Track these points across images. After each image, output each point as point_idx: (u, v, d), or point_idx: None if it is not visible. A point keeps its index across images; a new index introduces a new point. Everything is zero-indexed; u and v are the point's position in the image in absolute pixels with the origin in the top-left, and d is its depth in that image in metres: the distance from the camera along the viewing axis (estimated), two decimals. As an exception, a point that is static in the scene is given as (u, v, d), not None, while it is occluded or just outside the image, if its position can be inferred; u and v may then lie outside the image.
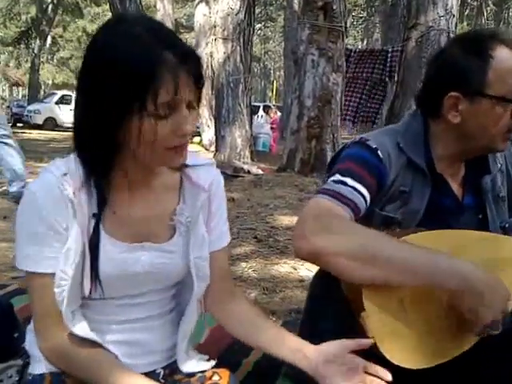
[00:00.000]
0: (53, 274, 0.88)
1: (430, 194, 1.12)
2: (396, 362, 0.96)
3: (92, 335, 0.91)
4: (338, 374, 0.88)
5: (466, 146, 1.14)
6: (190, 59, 0.83)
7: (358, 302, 0.96)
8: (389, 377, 0.86)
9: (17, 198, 3.79)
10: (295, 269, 2.77)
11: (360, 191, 1.06)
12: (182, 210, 0.97)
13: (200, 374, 0.99)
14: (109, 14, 9.01)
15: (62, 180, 0.87)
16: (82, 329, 0.91)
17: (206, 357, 1.06)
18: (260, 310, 1.10)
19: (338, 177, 1.08)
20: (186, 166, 0.97)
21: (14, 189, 4.27)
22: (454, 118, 1.10)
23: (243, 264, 2.87)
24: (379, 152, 1.10)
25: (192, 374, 1.00)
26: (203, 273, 0.99)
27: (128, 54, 0.80)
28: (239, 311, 1.05)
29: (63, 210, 0.87)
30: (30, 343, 0.98)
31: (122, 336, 0.96)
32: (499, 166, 1.21)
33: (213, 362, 1.02)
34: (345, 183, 1.06)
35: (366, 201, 1.07)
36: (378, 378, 0.86)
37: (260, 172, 6.59)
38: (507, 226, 1.20)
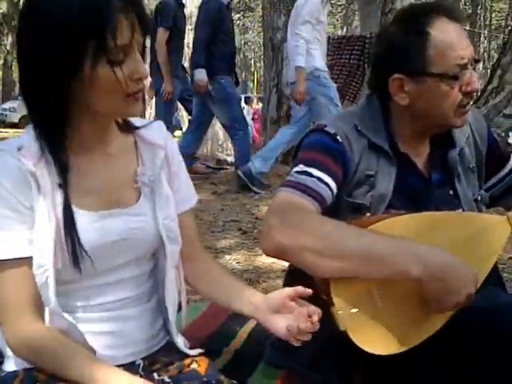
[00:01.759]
0: (21, 260, 0.85)
1: (396, 174, 1.10)
2: (371, 351, 0.96)
3: (71, 320, 0.88)
4: (282, 322, 0.92)
5: (422, 126, 1.13)
6: (137, 4, 0.84)
7: (328, 294, 0.97)
8: (315, 317, 0.88)
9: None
10: (278, 259, 2.78)
11: (325, 181, 1.05)
12: (143, 171, 0.97)
13: (178, 363, 0.99)
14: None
15: (17, 155, 0.84)
16: (61, 316, 0.88)
17: (187, 344, 1.05)
18: (225, 268, 1.12)
19: (301, 167, 1.07)
20: (137, 127, 0.98)
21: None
22: (402, 99, 1.09)
23: (227, 256, 2.87)
24: (338, 137, 1.09)
25: (170, 363, 1.00)
26: (174, 233, 0.98)
27: None
28: (205, 270, 1.07)
29: (25, 188, 0.84)
30: (3, 341, 0.94)
31: (100, 326, 0.94)
32: (466, 136, 1.19)
33: (200, 350, 1.03)
34: (309, 173, 1.05)
35: (331, 189, 1.06)
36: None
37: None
38: (479, 198, 1.19)
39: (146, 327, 1.00)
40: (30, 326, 0.87)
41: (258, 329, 1.69)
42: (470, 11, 20.02)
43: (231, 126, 4.61)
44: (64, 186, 0.87)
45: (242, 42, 28.92)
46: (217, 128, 7.78)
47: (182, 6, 4.94)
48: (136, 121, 1.00)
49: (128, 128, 0.98)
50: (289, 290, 0.94)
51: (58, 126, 0.86)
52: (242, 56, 30.45)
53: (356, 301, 0.97)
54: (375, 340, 0.97)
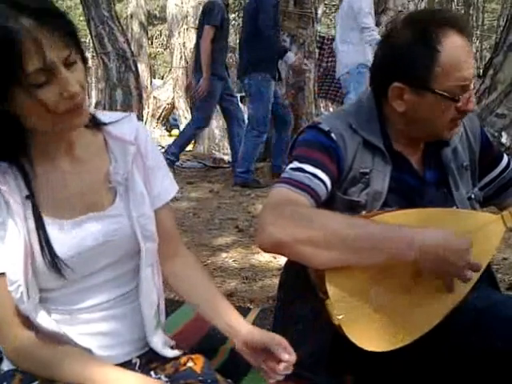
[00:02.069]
0: (1, 274, 0.85)
1: (390, 173, 1.11)
2: (364, 347, 0.96)
3: (59, 327, 0.89)
4: (257, 361, 0.94)
5: (413, 132, 1.13)
6: (49, 18, 0.78)
7: (323, 289, 0.97)
8: (284, 357, 0.89)
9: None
10: (275, 257, 2.78)
11: (319, 177, 1.05)
12: (116, 169, 0.94)
13: (174, 361, 1.00)
14: (80, 7, 8.84)
15: None
16: (48, 323, 0.89)
17: (172, 343, 1.05)
18: (204, 271, 1.09)
19: (295, 164, 1.08)
20: (105, 124, 0.95)
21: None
22: (399, 106, 1.09)
23: (224, 254, 2.87)
24: (332, 134, 1.10)
25: (167, 361, 1.00)
26: (149, 231, 0.96)
27: None
28: (186, 273, 1.05)
29: None
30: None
31: (90, 327, 0.94)
32: (460, 135, 1.20)
33: (177, 352, 1.02)
34: (303, 170, 1.06)
35: (326, 186, 1.06)
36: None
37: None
38: (473, 196, 1.20)
39: (138, 326, 0.99)
40: (23, 337, 0.88)
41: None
42: (463, 11, 20.05)
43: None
44: (32, 197, 0.86)
45: (237, 42, 28.84)
46: (213, 127, 7.79)
47: (228, 6, 4.98)
48: (105, 116, 0.97)
49: (96, 126, 0.95)
50: (273, 344, 0.91)
51: (16, 141, 0.85)
52: (237, 56, 30.39)
53: (351, 294, 0.97)
54: (369, 336, 0.97)
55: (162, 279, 1.03)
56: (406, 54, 1.06)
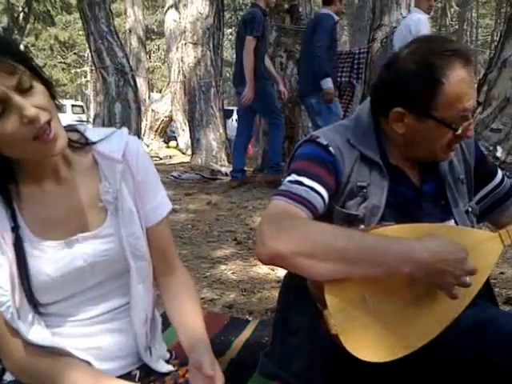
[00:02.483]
0: None
1: (388, 186, 1.12)
2: (361, 358, 0.96)
3: (56, 343, 0.90)
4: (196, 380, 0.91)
5: (410, 152, 1.15)
6: None
7: (322, 299, 0.97)
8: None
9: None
10: (273, 270, 2.79)
11: (316, 190, 1.07)
12: (106, 188, 0.93)
13: (174, 373, 1.01)
14: (80, 22, 8.90)
15: None
16: (44, 339, 0.89)
17: (167, 356, 1.06)
18: (194, 289, 1.09)
19: (293, 177, 1.09)
20: (93, 143, 0.95)
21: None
22: (399, 128, 1.11)
23: (223, 266, 2.88)
24: (330, 148, 1.11)
25: (166, 373, 1.01)
26: (140, 251, 0.95)
27: None
28: (174, 287, 1.04)
29: None
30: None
31: (87, 341, 0.94)
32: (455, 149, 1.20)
33: (170, 367, 1.02)
34: (300, 183, 1.07)
35: (323, 199, 1.07)
36: None
37: (237, 174, 6.57)
38: (470, 209, 1.21)
39: (132, 339, 0.99)
40: (22, 350, 0.89)
41: (253, 339, 1.71)
42: (457, 27, 20.29)
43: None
44: (16, 228, 0.86)
45: (235, 56, 29.03)
46: (210, 139, 7.83)
47: (266, 16, 5.05)
48: (95, 134, 0.96)
49: (83, 147, 0.94)
50: (208, 368, 0.89)
51: (2, 169, 0.86)
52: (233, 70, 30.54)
53: (349, 305, 0.97)
54: (366, 346, 0.97)
55: (155, 295, 1.03)
56: (410, 82, 1.07)
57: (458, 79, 1.04)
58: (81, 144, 0.94)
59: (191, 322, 1.00)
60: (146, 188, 0.98)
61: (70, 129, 0.94)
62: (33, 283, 0.87)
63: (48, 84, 0.84)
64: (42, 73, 0.84)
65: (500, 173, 1.28)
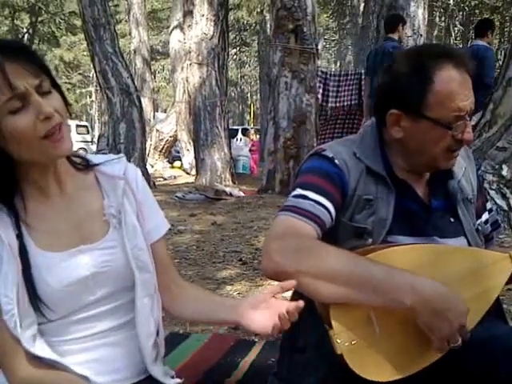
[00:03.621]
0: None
1: (395, 201, 1.12)
2: (367, 377, 0.96)
3: (56, 357, 0.91)
4: (259, 317, 0.95)
5: (412, 161, 1.15)
6: (19, 54, 0.85)
7: (328, 319, 0.97)
8: (300, 303, 0.91)
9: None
10: (278, 290, 2.77)
11: (322, 203, 1.06)
12: (109, 203, 0.98)
13: None
14: (85, 43, 9.04)
15: None
16: (45, 352, 0.90)
17: (172, 373, 1.06)
18: (200, 287, 1.16)
19: (298, 191, 1.08)
20: (96, 164, 1.01)
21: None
22: (397, 133, 1.12)
23: (228, 287, 2.85)
24: (336, 161, 1.11)
25: None
26: (143, 262, 0.98)
27: None
28: (183, 294, 1.08)
29: None
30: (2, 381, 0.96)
31: (86, 355, 0.95)
32: (463, 169, 1.22)
33: (178, 380, 1.03)
34: (306, 197, 1.06)
35: (329, 212, 1.07)
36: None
37: (242, 194, 6.58)
38: (480, 228, 1.21)
39: (134, 352, 1.00)
40: (27, 366, 0.90)
41: (259, 360, 1.69)
42: (461, 46, 20.48)
43: None
44: (20, 236, 0.90)
45: (239, 76, 29.37)
46: (215, 159, 7.86)
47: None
48: (96, 158, 1.02)
49: (87, 167, 1.00)
50: (273, 288, 0.96)
51: (8, 178, 0.90)
52: (238, 89, 30.91)
53: (354, 326, 0.97)
54: (372, 366, 0.98)
55: (161, 312, 1.04)
56: (402, 82, 1.10)
57: (448, 78, 1.06)
58: (84, 166, 1.00)
59: (216, 298, 1.09)
60: (147, 207, 1.03)
61: (73, 154, 1.00)
62: (39, 292, 0.89)
63: (63, 95, 0.92)
64: (60, 88, 0.92)
65: (487, 214, 1.28)
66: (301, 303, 0.92)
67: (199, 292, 1.10)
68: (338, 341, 0.96)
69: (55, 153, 0.88)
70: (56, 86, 0.90)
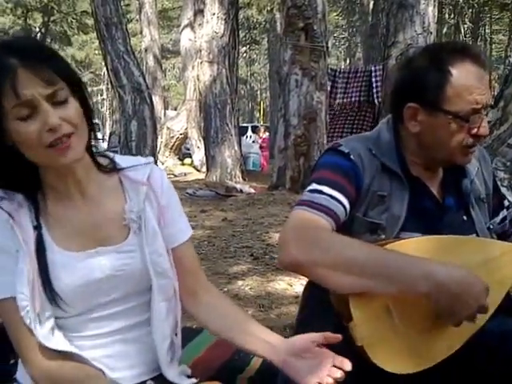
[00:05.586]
0: (14, 298, 0.88)
1: (408, 197, 1.13)
2: (388, 369, 0.97)
3: (75, 349, 0.92)
4: (304, 368, 0.89)
5: (428, 156, 1.16)
6: (33, 59, 0.83)
7: (346, 312, 0.98)
8: (348, 366, 0.85)
9: None
10: (291, 285, 2.79)
11: (337, 198, 1.08)
12: (130, 208, 0.97)
13: None
14: (96, 42, 9.10)
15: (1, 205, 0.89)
16: (64, 345, 0.91)
17: (189, 371, 1.06)
18: (232, 301, 1.10)
19: (314, 186, 1.10)
20: (122, 168, 1.00)
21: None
22: (414, 127, 1.13)
23: (240, 282, 2.88)
24: (352, 156, 1.12)
25: None
26: (162, 268, 0.98)
27: None
28: (212, 304, 1.05)
29: (10, 235, 0.89)
30: (21, 373, 0.98)
31: (101, 351, 0.96)
32: (476, 169, 1.23)
33: (194, 380, 1.02)
34: (321, 191, 1.08)
35: (344, 207, 1.08)
36: (341, 369, 0.85)
37: (252, 191, 6.60)
38: (491, 227, 1.22)
39: (148, 349, 0.99)
40: (46, 358, 0.90)
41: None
42: (471, 42, 20.29)
43: None
44: (39, 228, 0.90)
45: (249, 74, 29.35)
46: (225, 156, 7.90)
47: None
48: (123, 161, 1.01)
49: (112, 170, 1.00)
50: (316, 335, 0.90)
51: (28, 175, 0.91)
52: (248, 87, 30.87)
53: (374, 318, 0.98)
54: (392, 358, 0.98)
55: (180, 313, 1.03)
56: (420, 76, 1.11)
57: (466, 71, 1.08)
58: (109, 169, 0.99)
59: (251, 325, 1.00)
60: (170, 211, 1.02)
61: (100, 154, 1.00)
62: (55, 289, 0.90)
63: (87, 105, 0.90)
64: (84, 93, 0.90)
65: (504, 211, 1.28)
66: (348, 365, 0.85)
67: (230, 309, 1.04)
68: (358, 333, 0.96)
69: (59, 161, 0.87)
70: (78, 93, 0.88)
